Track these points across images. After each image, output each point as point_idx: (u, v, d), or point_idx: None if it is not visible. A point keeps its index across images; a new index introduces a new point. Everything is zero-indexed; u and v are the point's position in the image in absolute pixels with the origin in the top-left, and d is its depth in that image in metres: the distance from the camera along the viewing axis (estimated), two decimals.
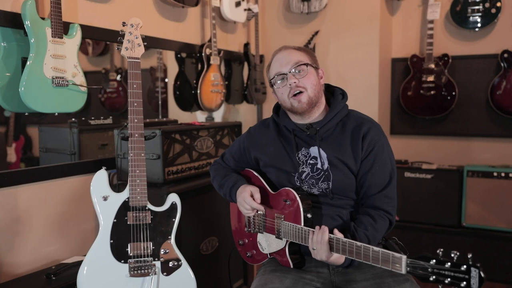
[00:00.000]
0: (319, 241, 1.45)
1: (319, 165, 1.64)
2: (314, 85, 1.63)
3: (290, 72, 1.62)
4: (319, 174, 1.64)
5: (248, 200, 1.67)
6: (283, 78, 1.64)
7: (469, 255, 1.13)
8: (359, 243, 1.35)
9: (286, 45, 1.72)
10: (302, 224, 1.55)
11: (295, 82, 1.61)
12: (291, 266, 1.63)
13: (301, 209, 1.55)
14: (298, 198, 1.57)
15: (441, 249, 1.18)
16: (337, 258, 1.46)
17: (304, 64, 1.63)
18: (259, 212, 1.71)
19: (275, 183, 1.73)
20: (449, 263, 1.15)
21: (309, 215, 1.56)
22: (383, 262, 1.28)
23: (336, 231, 1.45)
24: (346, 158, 1.62)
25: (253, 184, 1.78)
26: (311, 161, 1.66)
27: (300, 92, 1.61)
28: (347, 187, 1.63)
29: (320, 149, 1.64)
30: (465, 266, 1.12)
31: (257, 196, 1.67)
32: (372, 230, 1.55)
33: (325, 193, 1.64)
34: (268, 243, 1.71)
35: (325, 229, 1.45)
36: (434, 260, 1.17)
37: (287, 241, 1.62)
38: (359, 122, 1.65)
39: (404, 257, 1.23)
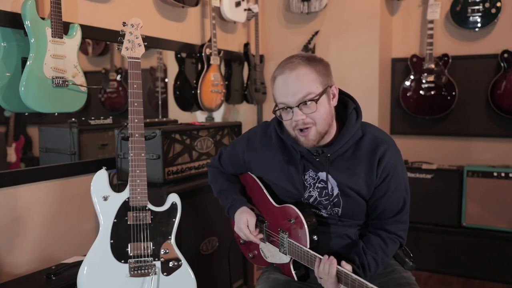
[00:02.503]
0: (326, 273, 1.36)
1: (328, 191, 1.53)
2: (324, 118, 1.44)
3: (297, 106, 1.42)
4: (328, 199, 1.54)
5: (246, 232, 1.61)
6: (289, 111, 1.45)
7: None
8: (370, 285, 1.24)
9: (293, 59, 1.46)
10: (308, 246, 1.46)
11: (302, 119, 1.42)
12: (295, 279, 1.57)
13: (307, 231, 1.47)
14: (303, 219, 1.48)
15: None
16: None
17: (314, 100, 1.41)
18: (264, 223, 1.65)
19: (279, 196, 1.64)
20: None
21: (315, 237, 1.47)
22: None
23: (343, 263, 1.36)
24: (359, 186, 1.50)
25: (252, 191, 1.71)
26: (319, 185, 1.54)
27: (308, 128, 1.44)
28: (357, 212, 1.54)
29: (330, 176, 1.51)
30: None
31: (252, 229, 1.61)
32: (382, 254, 1.48)
33: (333, 216, 1.56)
34: (271, 254, 1.65)
35: (333, 261, 1.36)
36: None
37: (291, 257, 1.54)
38: (375, 143, 1.50)
39: None
